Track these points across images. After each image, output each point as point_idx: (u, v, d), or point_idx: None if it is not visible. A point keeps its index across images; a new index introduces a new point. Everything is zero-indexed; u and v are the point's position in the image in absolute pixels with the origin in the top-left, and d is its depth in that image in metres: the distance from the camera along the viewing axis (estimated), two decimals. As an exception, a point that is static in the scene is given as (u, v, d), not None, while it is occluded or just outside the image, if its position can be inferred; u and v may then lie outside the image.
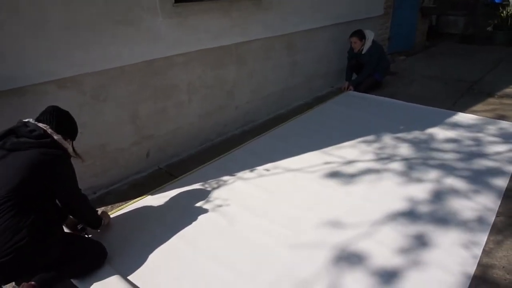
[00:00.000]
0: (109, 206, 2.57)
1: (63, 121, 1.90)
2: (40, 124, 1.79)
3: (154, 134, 3.01)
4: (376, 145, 3.30)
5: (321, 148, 3.24)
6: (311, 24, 4.33)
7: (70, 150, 1.92)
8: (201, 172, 2.94)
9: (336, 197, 2.55)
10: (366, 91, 4.72)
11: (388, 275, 1.87)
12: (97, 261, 1.93)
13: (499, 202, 2.42)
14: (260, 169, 2.94)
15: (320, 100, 4.60)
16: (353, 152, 3.17)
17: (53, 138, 1.79)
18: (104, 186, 2.77)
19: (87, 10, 2.33)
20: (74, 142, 2.01)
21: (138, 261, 2.01)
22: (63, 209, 1.93)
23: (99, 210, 2.29)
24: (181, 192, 2.66)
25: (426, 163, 2.93)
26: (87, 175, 2.64)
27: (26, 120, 1.81)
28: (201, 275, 1.91)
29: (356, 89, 4.76)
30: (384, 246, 2.06)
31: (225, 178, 2.83)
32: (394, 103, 4.34)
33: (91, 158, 2.64)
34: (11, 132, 1.75)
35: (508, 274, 1.88)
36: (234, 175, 2.86)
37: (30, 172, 1.66)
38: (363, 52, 4.69)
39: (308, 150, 3.22)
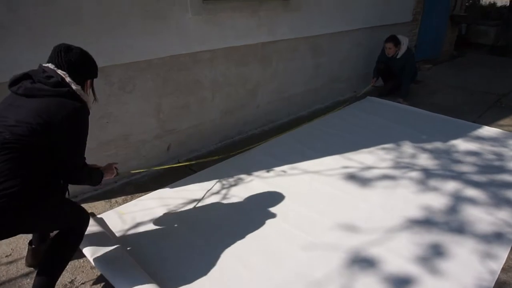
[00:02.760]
0: (129, 196, 2.64)
1: (77, 66, 1.64)
2: (59, 71, 1.59)
3: (176, 128, 3.07)
4: (395, 152, 3.26)
5: (339, 152, 3.24)
6: (337, 28, 4.31)
7: (89, 102, 1.71)
8: (219, 168, 2.98)
9: (352, 201, 2.54)
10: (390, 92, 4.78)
11: (401, 283, 1.86)
12: (79, 228, 1.79)
13: (520, 220, 2.37)
14: (277, 169, 2.96)
15: (342, 104, 4.57)
16: (371, 158, 3.16)
17: (72, 88, 1.59)
18: (125, 176, 2.84)
19: (119, 1, 2.40)
20: (94, 83, 1.79)
21: (153, 252, 2.06)
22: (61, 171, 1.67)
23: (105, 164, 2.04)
24: (199, 187, 2.71)
25: (445, 174, 2.89)
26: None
27: (46, 64, 1.62)
28: (216, 270, 1.94)
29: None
30: (398, 253, 2.05)
31: (242, 176, 2.86)
32: (416, 111, 4.28)
33: (115, 148, 2.72)
34: (27, 76, 1.58)
35: (525, 293, 1.84)
36: (251, 174, 2.89)
37: (42, 122, 1.47)
38: (397, 57, 4.63)
39: (326, 153, 3.21)
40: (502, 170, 2.96)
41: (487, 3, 9.64)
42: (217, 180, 2.80)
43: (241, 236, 2.20)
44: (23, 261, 2.00)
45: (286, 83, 3.95)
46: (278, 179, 2.83)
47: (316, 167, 2.99)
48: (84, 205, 2.47)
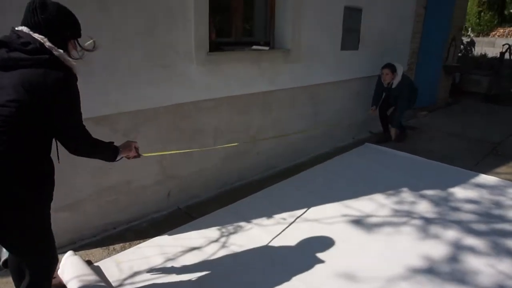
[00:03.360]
0: (128, 243, 2.61)
1: (56, 25, 1.45)
2: (36, 35, 1.41)
3: (177, 175, 3.10)
4: (394, 199, 3.28)
5: (339, 199, 3.25)
6: (335, 77, 4.48)
7: (75, 67, 1.53)
8: (218, 215, 2.98)
9: (352, 250, 2.52)
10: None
11: None
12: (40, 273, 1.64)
13: (522, 272, 2.34)
14: (277, 217, 2.96)
15: (341, 150, 4.64)
16: (371, 205, 3.16)
17: (53, 54, 1.42)
18: (125, 222, 2.83)
19: (129, 54, 2.53)
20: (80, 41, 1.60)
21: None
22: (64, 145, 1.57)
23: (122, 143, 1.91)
24: (198, 234, 2.69)
25: (444, 222, 2.89)
26: (109, 210, 2.73)
27: (19, 28, 1.43)
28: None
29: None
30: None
31: (242, 223, 2.85)
32: (414, 159, 4.34)
33: (115, 194, 2.74)
34: (2, 44, 1.40)
35: None
36: (251, 222, 2.88)
37: (27, 99, 1.35)
38: (393, 87, 4.71)
39: (326, 200, 3.22)
40: (501, 219, 2.96)
41: (479, 54, 10.05)
42: (216, 227, 2.78)
43: (240, 286, 2.15)
44: None
45: (286, 130, 4.03)
46: (278, 227, 2.82)
47: (316, 215, 2.99)
48: (81, 253, 2.44)
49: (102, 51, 2.35)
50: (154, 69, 2.69)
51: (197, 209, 3.09)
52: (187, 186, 3.20)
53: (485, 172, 3.97)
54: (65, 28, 1.49)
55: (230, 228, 2.79)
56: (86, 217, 2.61)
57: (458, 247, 2.57)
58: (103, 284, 2.05)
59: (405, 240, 2.66)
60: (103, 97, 2.47)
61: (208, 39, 2.97)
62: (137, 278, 2.22)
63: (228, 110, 3.34)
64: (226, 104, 3.30)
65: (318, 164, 4.12)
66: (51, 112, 1.42)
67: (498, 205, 3.21)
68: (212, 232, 2.72)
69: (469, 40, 10.24)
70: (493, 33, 12.47)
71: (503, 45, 8.94)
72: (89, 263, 2.33)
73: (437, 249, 2.54)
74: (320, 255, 2.47)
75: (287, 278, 2.22)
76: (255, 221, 2.88)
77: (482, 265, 2.38)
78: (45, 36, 1.41)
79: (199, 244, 2.57)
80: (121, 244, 2.59)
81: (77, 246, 2.55)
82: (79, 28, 1.57)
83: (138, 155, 1.96)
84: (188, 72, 2.91)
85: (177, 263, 2.36)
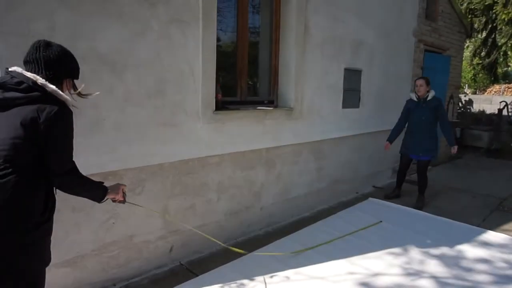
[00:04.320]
0: (127, 301, 2.54)
1: (54, 63, 1.54)
2: (28, 74, 1.48)
3: (180, 229, 3.08)
4: (402, 258, 3.19)
5: (345, 257, 3.17)
6: (338, 133, 4.60)
7: (69, 101, 1.57)
8: (221, 272, 2.90)
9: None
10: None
11: None
12: None
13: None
14: (281, 274, 2.88)
15: (344, 205, 4.61)
16: (379, 263, 3.08)
17: (45, 90, 1.49)
18: (125, 278, 2.77)
19: (138, 113, 2.66)
20: (76, 81, 1.68)
21: None
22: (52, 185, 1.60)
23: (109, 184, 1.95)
24: (199, 293, 2.62)
25: (456, 283, 2.79)
26: (110, 265, 2.68)
27: (11, 69, 1.52)
28: None
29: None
30: None
31: (245, 281, 2.77)
32: (420, 214, 4.29)
33: (118, 249, 2.71)
34: None
35: None
36: (254, 279, 2.80)
37: (24, 134, 1.42)
38: (428, 99, 4.48)
39: (331, 257, 3.15)
40: (514, 279, 2.86)
41: (477, 110, 10.33)
42: (218, 285, 2.71)
43: None
44: None
45: (289, 185, 4.06)
46: (282, 285, 2.74)
47: (321, 273, 2.91)
48: (79, 312, 2.37)
49: (112, 110, 2.51)
50: (161, 127, 2.81)
51: (199, 265, 3.03)
52: (190, 241, 3.16)
53: (493, 228, 3.90)
54: (61, 66, 1.58)
55: (233, 286, 2.71)
56: (85, 273, 2.57)
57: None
58: None
59: (414, 301, 2.55)
60: (111, 154, 2.55)
61: (215, 99, 3.12)
62: None
63: (232, 166, 3.40)
64: (230, 160, 3.37)
65: (321, 219, 4.07)
66: (45, 145, 1.47)
67: (509, 263, 3.11)
68: (214, 291, 2.64)
69: (467, 99, 10.57)
70: (489, 89, 12.91)
71: (500, 102, 9.22)
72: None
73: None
74: (326, 317, 2.37)
75: None
76: (258, 278, 2.80)
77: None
78: (42, 72, 1.51)
79: (201, 303, 2.49)
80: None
81: (75, 305, 2.48)
82: (77, 70, 1.67)
83: (124, 200, 1.98)
84: (194, 130, 3.03)
85: (177, 324, 2.27)
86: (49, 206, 1.59)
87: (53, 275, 1.66)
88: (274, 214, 3.92)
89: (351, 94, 4.72)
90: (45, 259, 1.62)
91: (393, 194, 4.92)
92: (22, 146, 1.44)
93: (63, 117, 1.51)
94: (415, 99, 4.61)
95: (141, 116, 2.68)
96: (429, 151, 4.54)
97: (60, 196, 1.72)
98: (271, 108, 3.71)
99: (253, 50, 3.82)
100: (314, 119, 4.19)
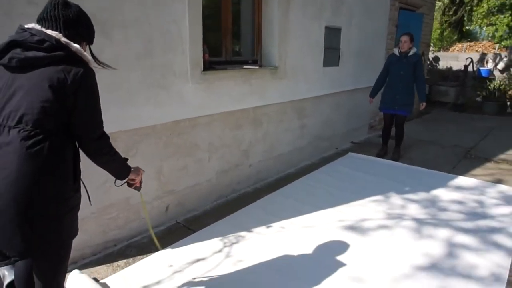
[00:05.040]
0: (131, 259, 2.62)
1: (73, 22, 1.42)
2: (50, 31, 1.36)
3: (174, 190, 3.15)
4: (385, 204, 3.45)
5: (332, 206, 3.38)
6: (319, 91, 4.71)
7: (91, 62, 1.49)
8: (218, 227, 3.03)
9: (353, 252, 2.65)
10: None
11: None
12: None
13: (509, 261, 2.54)
14: (275, 225, 3.05)
15: (325, 160, 4.82)
16: (364, 210, 3.31)
17: (70, 50, 1.38)
18: (125, 239, 2.84)
19: (127, 76, 2.62)
20: (92, 47, 1.59)
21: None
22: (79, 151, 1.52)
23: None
24: (200, 246, 2.74)
25: (435, 222, 3.08)
26: (110, 227, 2.74)
27: (29, 26, 1.38)
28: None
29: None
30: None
31: (242, 233, 2.92)
32: (396, 165, 4.57)
33: (116, 211, 2.76)
34: (14, 43, 1.34)
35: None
36: (251, 231, 2.95)
37: (53, 96, 1.32)
38: (409, 54, 4.59)
39: (319, 208, 3.35)
40: (485, 216, 3.19)
41: (444, 67, 10.72)
42: (218, 238, 2.84)
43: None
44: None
45: (275, 143, 4.18)
46: (278, 235, 2.91)
47: (313, 222, 3.10)
48: (85, 270, 2.44)
49: (103, 71, 2.45)
50: (152, 88, 2.79)
51: (195, 222, 3.14)
52: (184, 200, 3.25)
53: (462, 174, 4.24)
54: (81, 27, 1.47)
55: (232, 238, 2.85)
56: (87, 235, 2.61)
57: (453, 244, 2.76)
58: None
59: (402, 241, 2.81)
60: (105, 117, 2.52)
61: (202, 59, 3.10)
62: (145, 291, 2.24)
63: (221, 125, 3.45)
64: (219, 120, 3.41)
65: (306, 174, 4.26)
66: (74, 109, 1.38)
67: (480, 203, 3.45)
68: (214, 243, 2.77)
69: (434, 56, 10.91)
70: (453, 48, 13.36)
71: (466, 58, 9.59)
72: (95, 280, 2.32)
73: (434, 247, 2.71)
74: (323, 259, 2.57)
75: (294, 285, 2.31)
76: (255, 230, 2.96)
77: (477, 259, 2.57)
78: (60, 31, 1.39)
79: (203, 255, 2.62)
80: (125, 260, 2.60)
81: (80, 265, 2.54)
82: (93, 34, 1.58)
83: (140, 187, 1.96)
84: (183, 90, 3.02)
85: (185, 275, 2.39)
86: (78, 174, 1.54)
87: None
88: (261, 171, 4.06)
89: (331, 53, 4.78)
90: (74, 231, 1.56)
91: (382, 152, 5.05)
92: (51, 110, 1.33)
93: (91, 78, 1.44)
94: (397, 53, 4.72)
95: (130, 79, 2.64)
96: (405, 106, 4.75)
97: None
98: (257, 67, 3.73)
99: (237, 10, 3.75)
100: (297, 77, 4.25)
